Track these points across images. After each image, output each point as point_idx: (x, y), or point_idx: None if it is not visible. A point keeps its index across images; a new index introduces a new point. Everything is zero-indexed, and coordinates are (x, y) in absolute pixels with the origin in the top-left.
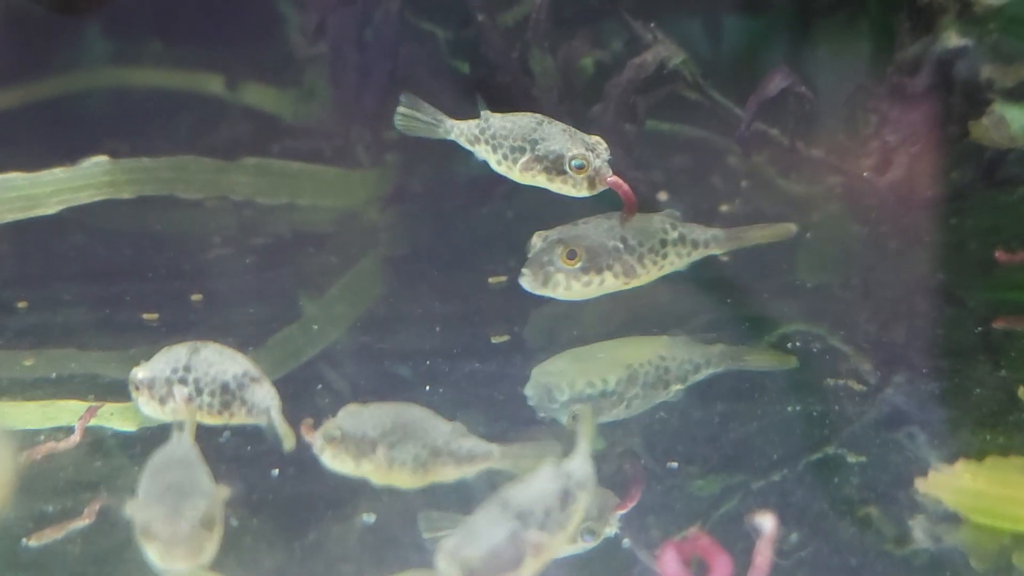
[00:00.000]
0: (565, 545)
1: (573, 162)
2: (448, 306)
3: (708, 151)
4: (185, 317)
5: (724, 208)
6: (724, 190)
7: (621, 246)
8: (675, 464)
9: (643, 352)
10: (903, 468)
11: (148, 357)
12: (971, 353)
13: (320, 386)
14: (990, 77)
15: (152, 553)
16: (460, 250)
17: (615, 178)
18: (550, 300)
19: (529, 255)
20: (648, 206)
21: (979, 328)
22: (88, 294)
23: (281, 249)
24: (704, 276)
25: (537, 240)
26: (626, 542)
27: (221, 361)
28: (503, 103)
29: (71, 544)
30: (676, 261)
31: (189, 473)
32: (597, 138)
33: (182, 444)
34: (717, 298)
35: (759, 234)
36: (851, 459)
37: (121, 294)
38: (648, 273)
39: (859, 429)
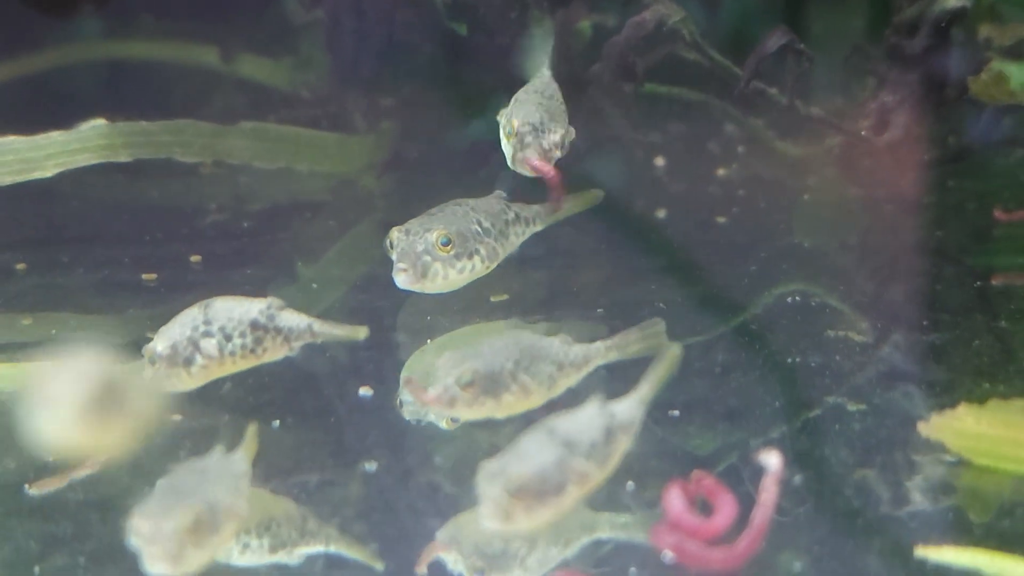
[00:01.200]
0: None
1: (507, 128)
2: None
3: (706, 115)
4: (184, 278)
5: (721, 172)
6: (721, 153)
7: (480, 229)
8: (677, 412)
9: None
10: (905, 414)
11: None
12: (970, 308)
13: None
14: (988, 36)
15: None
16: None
17: (539, 162)
18: None
19: (394, 251)
20: (646, 170)
21: (977, 284)
22: (86, 256)
23: (278, 214)
24: (697, 238)
25: (398, 235)
26: (630, 485)
27: (239, 304)
28: (501, 66)
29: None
30: (515, 241)
31: (205, 480)
32: (561, 132)
33: (217, 457)
34: (715, 259)
35: (570, 205)
36: (852, 407)
37: (119, 256)
38: (500, 256)
39: (861, 379)
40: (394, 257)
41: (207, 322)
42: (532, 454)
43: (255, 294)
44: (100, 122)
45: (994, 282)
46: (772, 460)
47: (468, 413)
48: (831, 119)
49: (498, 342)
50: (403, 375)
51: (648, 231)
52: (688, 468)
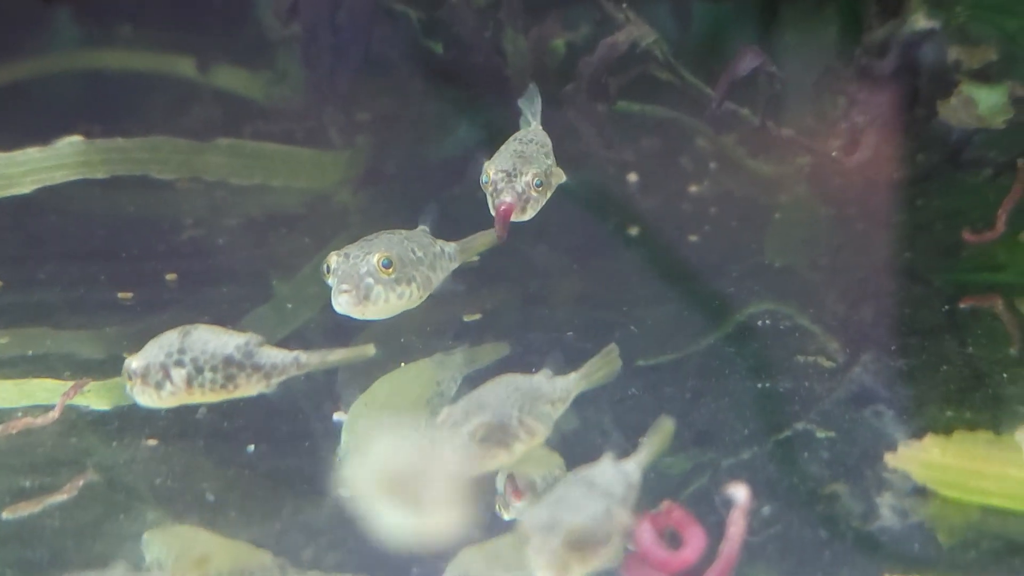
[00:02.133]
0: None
1: (483, 178)
2: None
3: (678, 132)
4: (160, 296)
5: (694, 189)
6: (694, 171)
7: (415, 257)
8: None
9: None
10: (872, 443)
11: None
12: (938, 332)
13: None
14: (957, 59)
15: None
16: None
17: (503, 212)
18: None
19: (332, 275)
20: (619, 187)
21: (946, 307)
22: (63, 274)
23: (254, 230)
24: (670, 257)
25: (337, 258)
26: None
27: (216, 337)
28: (476, 83)
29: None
30: (440, 275)
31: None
32: (533, 172)
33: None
34: (685, 278)
35: (480, 242)
36: (820, 434)
37: (96, 274)
38: (432, 287)
39: (828, 405)
40: (332, 281)
41: (182, 351)
42: (579, 505)
43: (230, 313)
44: (77, 139)
45: (962, 305)
46: (740, 493)
47: (482, 467)
48: (802, 139)
49: (498, 389)
50: (342, 447)
51: (621, 249)
52: (659, 490)
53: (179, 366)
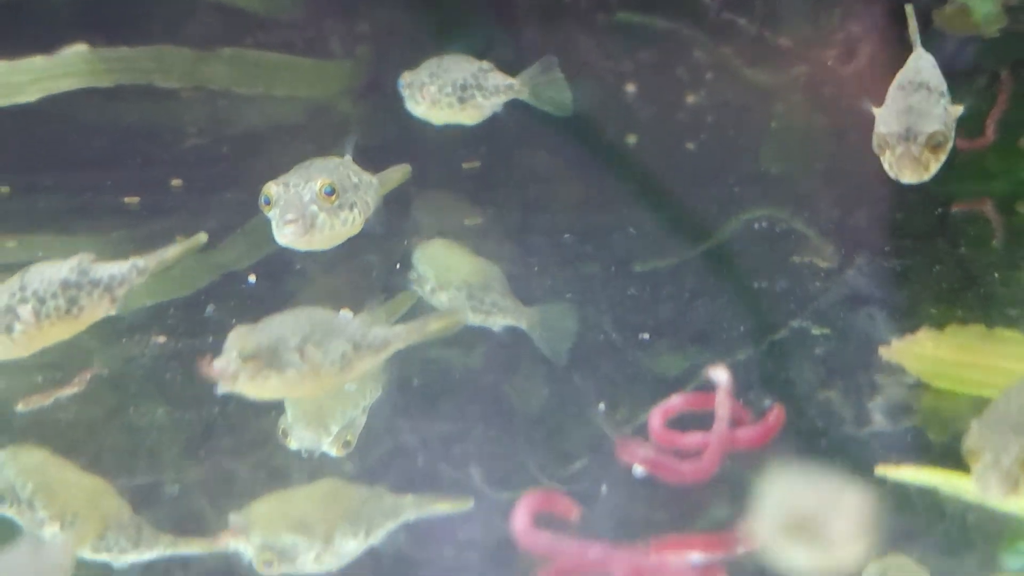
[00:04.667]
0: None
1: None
2: (421, 191)
3: (676, 43)
4: (165, 202)
5: (691, 99)
6: (691, 81)
7: (353, 183)
8: (647, 336)
9: None
10: (866, 339)
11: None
12: (930, 235)
13: (298, 266)
14: None
15: None
16: (431, 139)
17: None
18: None
19: (274, 206)
20: (617, 97)
21: (938, 211)
22: (69, 181)
23: (255, 140)
24: (667, 164)
25: (277, 188)
26: (601, 407)
27: (51, 266)
28: None
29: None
30: (373, 204)
31: None
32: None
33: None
34: (683, 184)
35: (395, 176)
36: (816, 331)
37: (101, 180)
38: (368, 213)
39: (823, 305)
40: (274, 212)
41: (23, 287)
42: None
43: (233, 218)
44: (82, 47)
45: (955, 209)
46: (720, 375)
47: (253, 389)
48: (798, 48)
49: (289, 316)
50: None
51: (619, 157)
52: (657, 389)
53: (23, 302)
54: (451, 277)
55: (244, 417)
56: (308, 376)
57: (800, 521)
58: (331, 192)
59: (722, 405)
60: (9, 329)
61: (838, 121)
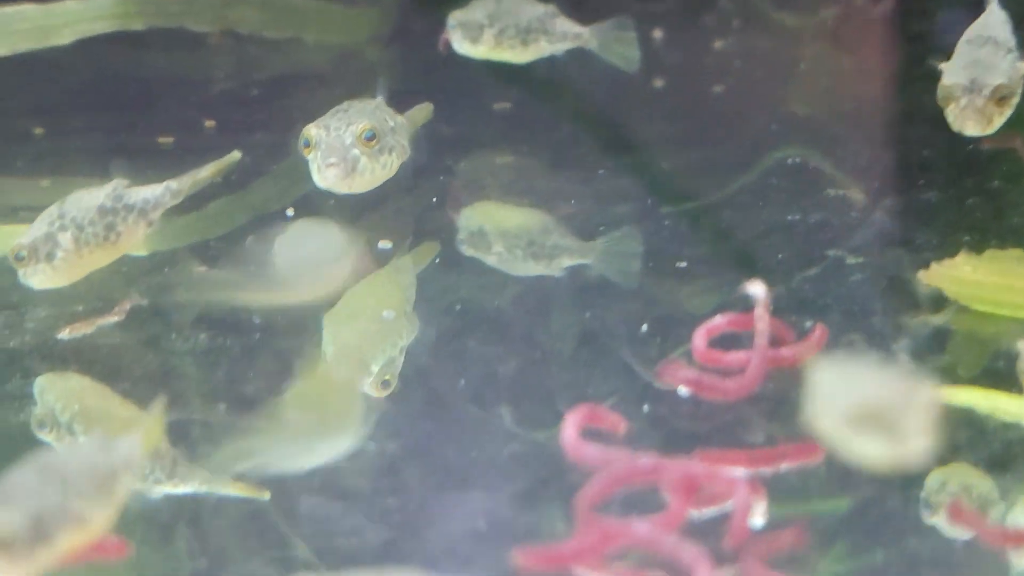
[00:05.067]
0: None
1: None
2: (451, 131)
3: None
4: (199, 142)
5: (718, 44)
6: (718, 27)
7: (390, 126)
8: (684, 264)
9: None
10: (904, 265)
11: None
12: (961, 170)
13: (332, 202)
14: None
15: None
16: (460, 83)
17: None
18: None
19: (314, 149)
20: (643, 42)
21: (969, 147)
22: (102, 122)
23: (284, 84)
24: (695, 106)
25: (317, 131)
26: (644, 327)
27: (87, 193)
28: None
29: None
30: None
31: None
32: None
33: None
34: (714, 126)
35: (420, 115)
36: (851, 260)
37: (134, 121)
38: (404, 157)
39: (860, 235)
40: (314, 155)
41: (61, 215)
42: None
43: (268, 158)
44: None
45: (985, 146)
46: (757, 288)
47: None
48: None
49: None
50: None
51: (647, 100)
52: (698, 316)
53: (63, 230)
54: (504, 228)
55: (284, 344)
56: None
57: (867, 410)
58: (372, 137)
59: (761, 319)
60: (51, 256)
61: (867, 62)
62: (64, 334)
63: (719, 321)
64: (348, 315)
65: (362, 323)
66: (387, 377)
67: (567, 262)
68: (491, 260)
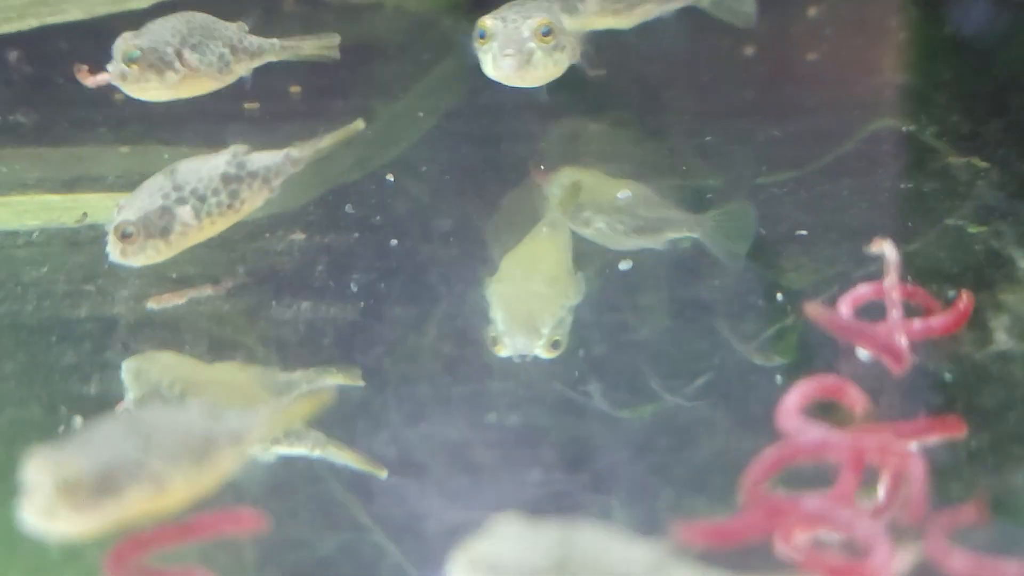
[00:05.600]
0: None
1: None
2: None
3: None
4: (284, 107)
5: (812, 12)
6: None
7: (562, 24)
8: (804, 232)
9: None
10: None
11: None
12: None
13: (424, 168)
14: None
15: None
16: None
17: None
18: None
19: (489, 40)
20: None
21: None
22: None
23: (365, 50)
24: (788, 75)
25: (493, 22)
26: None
27: (203, 162)
28: None
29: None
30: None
31: None
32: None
33: None
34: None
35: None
36: (972, 230)
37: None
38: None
39: (974, 204)
40: (490, 46)
41: (177, 187)
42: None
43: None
44: None
45: None
46: (887, 249)
47: (139, 91)
48: None
49: (169, 19)
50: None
51: (738, 68)
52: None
53: (181, 203)
54: (603, 201)
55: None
56: (189, 78)
57: None
58: (548, 32)
59: (891, 280)
60: (166, 232)
61: (967, 32)
62: (152, 304)
63: (864, 290)
64: (511, 279)
65: (529, 286)
66: (556, 338)
67: (673, 235)
68: (588, 233)
